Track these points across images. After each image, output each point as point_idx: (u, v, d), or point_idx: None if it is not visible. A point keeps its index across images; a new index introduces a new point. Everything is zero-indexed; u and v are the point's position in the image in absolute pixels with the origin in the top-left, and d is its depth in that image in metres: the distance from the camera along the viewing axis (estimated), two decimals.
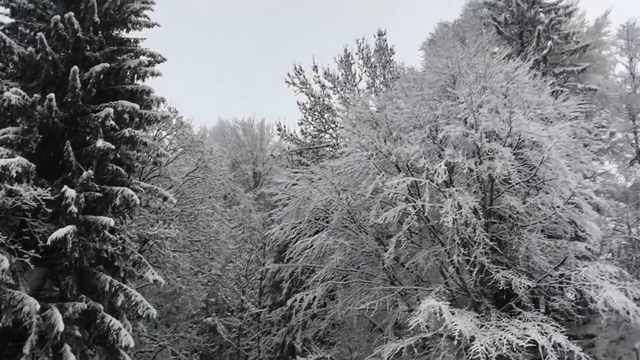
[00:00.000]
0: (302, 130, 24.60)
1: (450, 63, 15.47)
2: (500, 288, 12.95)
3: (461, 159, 13.39)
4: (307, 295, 15.45)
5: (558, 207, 13.34)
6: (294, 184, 16.65)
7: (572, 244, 14.12)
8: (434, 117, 14.95)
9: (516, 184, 14.11)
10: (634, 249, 21.21)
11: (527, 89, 15.24)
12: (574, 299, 16.87)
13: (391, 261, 14.20)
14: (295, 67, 24.16)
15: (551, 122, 15.15)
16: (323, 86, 24.20)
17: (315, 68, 24.08)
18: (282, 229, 16.38)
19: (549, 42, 21.30)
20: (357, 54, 24.38)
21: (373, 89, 23.85)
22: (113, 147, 14.66)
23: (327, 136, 24.29)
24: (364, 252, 15.59)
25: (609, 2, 28.04)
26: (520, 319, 12.46)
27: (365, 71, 24.27)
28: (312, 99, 24.20)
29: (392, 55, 24.30)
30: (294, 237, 16.15)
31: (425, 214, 13.62)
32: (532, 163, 14.08)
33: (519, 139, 14.18)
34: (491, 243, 13.11)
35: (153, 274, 15.79)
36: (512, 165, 13.31)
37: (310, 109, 24.23)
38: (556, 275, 13.27)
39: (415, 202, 13.24)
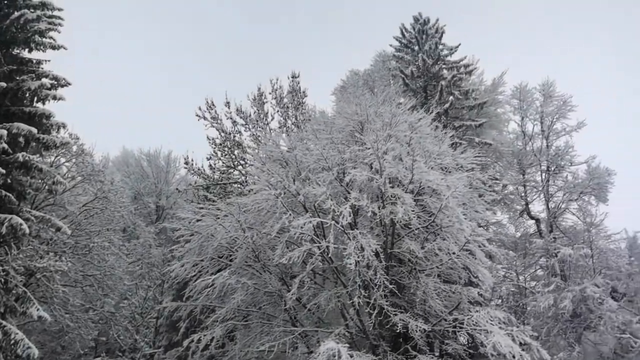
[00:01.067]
0: (210, 165, 24.25)
1: (359, 110, 16.03)
2: (398, 331, 13.20)
3: (366, 203, 13.77)
4: (205, 335, 14.90)
5: (454, 253, 13.97)
6: (198, 220, 16.27)
7: (466, 289, 14.79)
8: (342, 161, 15.34)
9: (416, 229, 14.66)
10: (521, 296, 22.55)
11: (429, 140, 16.08)
12: (466, 342, 17.53)
13: (293, 302, 14.10)
14: (207, 102, 23.98)
15: (450, 172, 16.02)
16: (235, 122, 24.13)
17: (227, 104, 24.02)
18: (183, 266, 15.87)
19: (451, 97, 22.72)
20: (270, 93, 24.63)
21: (285, 128, 24.10)
22: (3, 171, 13.67)
23: (236, 173, 24.09)
24: (266, 292, 15.42)
25: (505, 64, 30.53)
26: None
27: (278, 111, 24.53)
28: (222, 134, 24.02)
29: (305, 98, 24.80)
30: (194, 275, 15.67)
31: (330, 255, 13.75)
32: (431, 210, 14.69)
33: (420, 186, 14.82)
34: (391, 286, 13.41)
35: (38, 309, 14.66)
36: (413, 211, 13.87)
37: (221, 144, 24.01)
38: (450, 319, 13.77)
39: (320, 243, 13.36)
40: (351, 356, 11.93)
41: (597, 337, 19.58)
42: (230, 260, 15.51)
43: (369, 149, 14.71)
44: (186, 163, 24.83)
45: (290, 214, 13.92)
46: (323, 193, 13.88)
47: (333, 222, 13.45)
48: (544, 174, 24.11)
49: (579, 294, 18.40)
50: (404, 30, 25.10)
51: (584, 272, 20.79)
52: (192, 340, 15.18)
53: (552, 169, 23.81)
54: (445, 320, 13.88)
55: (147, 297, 24.36)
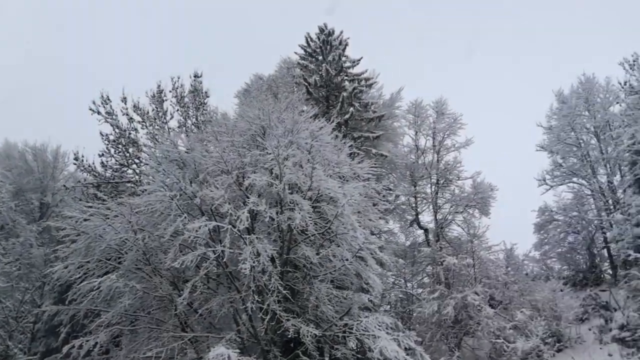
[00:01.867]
0: (102, 163, 22.94)
1: (261, 114, 16.00)
2: (290, 336, 13.31)
3: (264, 208, 13.75)
4: (87, 340, 14.06)
5: (347, 259, 14.33)
6: (86, 219, 15.34)
7: (357, 295, 15.22)
8: (242, 164, 15.22)
9: (312, 235, 14.87)
10: (408, 302, 23.56)
11: (329, 148, 16.40)
12: (355, 347, 17.99)
13: (184, 307, 13.74)
14: (102, 96, 22.74)
15: (347, 180, 16.43)
16: (131, 119, 23.05)
17: (124, 99, 22.91)
18: (67, 267, 14.89)
19: (351, 109, 23.34)
20: (170, 91, 23.87)
21: (184, 128, 23.46)
22: None
23: (129, 171, 23.03)
24: (156, 296, 14.85)
25: (403, 80, 31.86)
26: None
27: (178, 110, 23.81)
28: (117, 130, 22.88)
29: (207, 98, 24.35)
30: (79, 277, 14.74)
31: (225, 260, 13.56)
32: (327, 217, 14.96)
33: (318, 194, 15.06)
34: (285, 291, 13.49)
35: None
36: (311, 217, 14.06)
37: (114, 141, 22.84)
38: (341, 324, 14.09)
39: (215, 247, 13.16)
40: None
41: (475, 342, 20.92)
42: (119, 263, 14.80)
43: (270, 154, 14.73)
44: (76, 159, 23.37)
45: (185, 217, 13.60)
46: (221, 196, 13.70)
47: (230, 226, 13.31)
48: (433, 187, 25.46)
49: (461, 301, 19.55)
50: (309, 40, 25.42)
51: (466, 280, 22.10)
52: (73, 346, 14.23)
53: (441, 182, 25.21)
54: (336, 325, 14.18)
55: (24, 300, 22.59)
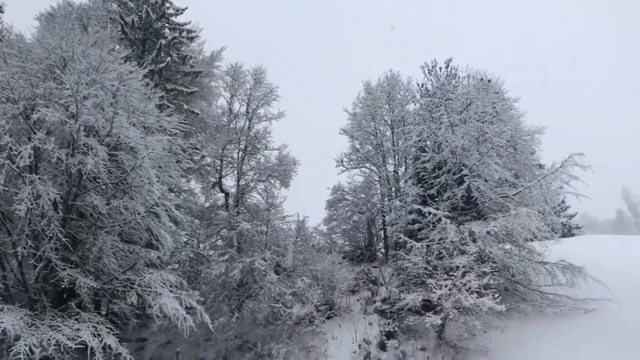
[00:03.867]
0: None
1: (64, 45, 14.47)
2: (64, 286, 12.49)
3: (52, 147, 12.58)
4: None
5: (139, 214, 13.86)
6: None
7: (145, 250, 14.83)
8: (32, 95, 13.64)
9: (105, 184, 14.04)
10: (198, 262, 23.57)
11: (137, 95, 15.52)
12: (135, 303, 17.59)
13: None
14: None
15: (152, 132, 15.76)
16: None
17: None
18: None
19: (168, 58, 22.33)
20: None
21: None
22: None
23: None
24: None
25: (224, 40, 31.22)
26: (77, 319, 12.24)
27: None
28: None
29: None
30: None
31: None
32: (125, 167, 14.25)
33: (118, 141, 14.23)
34: (65, 239, 12.60)
35: None
36: (105, 165, 13.26)
37: None
38: (123, 279, 13.65)
39: None
40: (1, 309, 10.81)
41: (255, 305, 21.84)
42: None
43: (68, 89, 13.45)
44: None
45: None
46: (1, 127, 12.17)
47: (8, 161, 11.92)
48: (241, 153, 25.63)
49: (249, 266, 20.19)
50: None
51: (257, 246, 22.87)
52: None
53: (249, 149, 25.50)
54: (118, 279, 13.71)
55: None
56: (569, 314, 18.39)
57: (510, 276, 20.67)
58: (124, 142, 14.18)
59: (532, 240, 20.22)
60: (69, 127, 13.12)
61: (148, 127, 15.77)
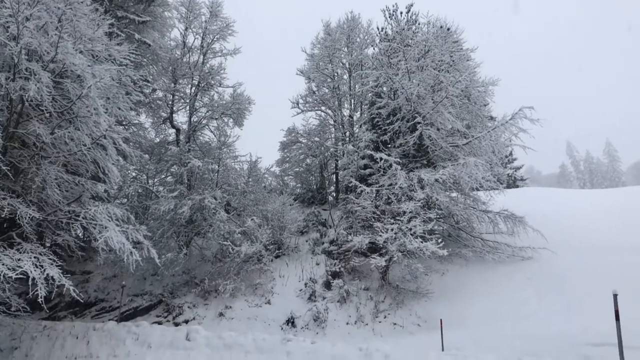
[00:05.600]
0: None
1: None
2: (4, 216, 12.13)
3: None
4: None
5: (85, 145, 13.43)
6: None
7: (92, 183, 14.48)
8: None
9: (48, 112, 13.46)
10: (146, 198, 23.28)
11: (84, 21, 14.72)
12: (80, 236, 17.32)
13: None
14: None
15: (100, 61, 15.11)
16: None
17: None
18: None
19: None
20: None
21: None
22: None
23: None
24: None
25: None
26: (18, 249, 11.98)
27: None
28: None
29: None
30: None
31: None
32: (70, 96, 13.68)
33: (63, 68, 13.56)
34: (5, 168, 12.13)
35: None
36: (50, 92, 12.68)
37: None
38: (67, 210, 13.35)
39: None
40: None
41: (204, 242, 21.92)
42: None
43: (8, 8, 12.60)
44: None
45: None
46: None
47: None
48: (194, 88, 24.97)
49: (198, 203, 20.10)
50: None
51: (207, 184, 22.71)
52: None
53: (203, 85, 24.85)
54: (62, 211, 13.40)
55: None
56: (507, 261, 19.31)
57: (454, 223, 21.40)
58: (70, 69, 13.53)
59: (478, 189, 20.88)
60: (10, 50, 12.39)
61: (96, 56, 15.08)
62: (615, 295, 8.13)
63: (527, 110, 18.83)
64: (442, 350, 12.71)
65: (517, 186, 45.31)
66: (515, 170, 48.61)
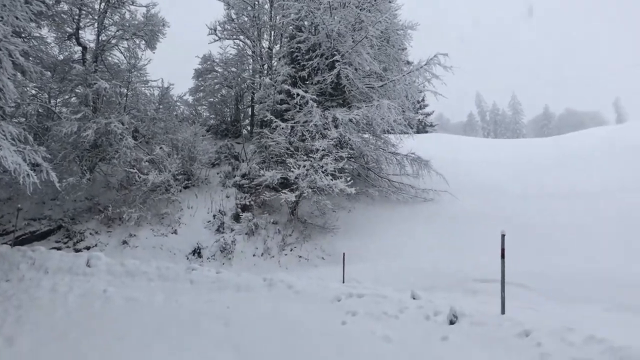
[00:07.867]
0: None
1: None
2: None
3: None
4: None
5: None
6: None
7: None
8: None
9: None
10: (47, 118, 21.86)
11: None
12: None
13: None
14: None
15: None
16: None
17: None
18: None
19: None
20: None
21: None
22: None
23: None
24: None
25: None
26: None
27: None
28: None
29: None
30: None
31: None
32: None
33: None
34: None
35: None
36: None
37: None
38: None
39: None
40: None
41: (109, 169, 21.13)
42: None
43: None
44: None
45: None
46: None
47: None
48: (103, 4, 23.23)
49: (104, 127, 19.15)
50: None
51: (115, 108, 21.62)
52: None
53: (113, 1, 23.17)
54: None
55: None
56: (410, 202, 20.27)
57: (364, 163, 22.00)
58: None
59: (389, 132, 21.47)
60: None
61: None
62: (503, 236, 8.82)
63: (442, 57, 19.33)
64: (343, 282, 13.32)
65: (427, 131, 47.02)
66: (426, 116, 50.29)
